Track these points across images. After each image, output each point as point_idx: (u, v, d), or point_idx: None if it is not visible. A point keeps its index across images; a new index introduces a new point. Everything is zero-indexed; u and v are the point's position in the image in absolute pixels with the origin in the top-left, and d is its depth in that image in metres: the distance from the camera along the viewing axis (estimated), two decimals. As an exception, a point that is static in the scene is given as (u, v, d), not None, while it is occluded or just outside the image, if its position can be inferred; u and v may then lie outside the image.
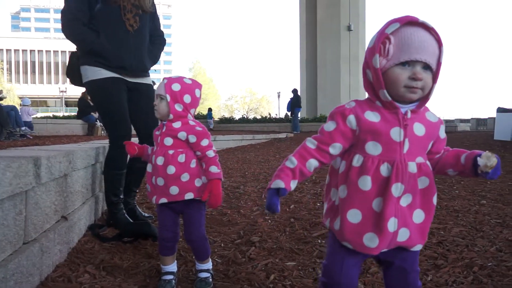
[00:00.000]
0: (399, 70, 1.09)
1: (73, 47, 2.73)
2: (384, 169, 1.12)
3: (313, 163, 1.16)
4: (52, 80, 67.95)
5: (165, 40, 2.97)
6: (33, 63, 67.92)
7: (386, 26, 1.11)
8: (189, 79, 1.90)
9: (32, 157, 1.72)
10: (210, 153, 1.81)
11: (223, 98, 67.74)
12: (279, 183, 1.12)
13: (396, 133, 1.12)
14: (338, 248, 1.20)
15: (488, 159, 1.09)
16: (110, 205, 2.71)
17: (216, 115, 37.56)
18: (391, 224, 1.12)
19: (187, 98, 1.83)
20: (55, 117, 17.13)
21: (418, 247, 1.19)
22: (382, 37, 1.10)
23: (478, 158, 1.11)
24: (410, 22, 1.09)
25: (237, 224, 2.89)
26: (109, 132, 2.70)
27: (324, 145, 1.16)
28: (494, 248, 2.30)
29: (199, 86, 1.91)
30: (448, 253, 2.23)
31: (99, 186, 3.00)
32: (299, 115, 17.50)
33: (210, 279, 1.89)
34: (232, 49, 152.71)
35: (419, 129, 1.14)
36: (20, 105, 12.42)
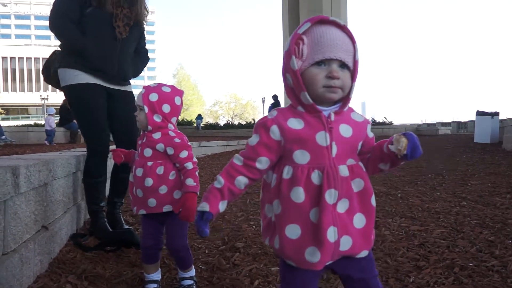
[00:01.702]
0: (316, 70, 1.05)
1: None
2: (315, 177, 1.06)
3: (242, 181, 1.11)
4: (33, 87, 66.80)
5: (148, 58, 2.99)
6: (13, 71, 66.69)
7: (298, 27, 1.08)
8: (168, 86, 1.86)
9: (10, 166, 1.69)
10: (189, 165, 1.77)
11: (207, 104, 67.59)
12: (205, 207, 1.08)
13: (322, 138, 1.06)
14: (287, 268, 1.13)
15: (398, 142, 1.04)
16: (91, 213, 2.68)
17: (200, 124, 37.77)
18: (331, 233, 1.05)
19: (166, 108, 1.80)
20: (36, 125, 16.84)
21: (364, 253, 1.12)
22: (295, 38, 1.07)
23: (389, 146, 1.07)
24: (321, 21, 1.07)
25: (222, 230, 2.88)
26: (85, 139, 2.66)
27: (250, 160, 1.10)
28: (474, 248, 2.34)
29: (179, 93, 1.88)
30: (429, 255, 2.26)
31: (81, 195, 2.96)
32: None
33: (194, 286, 1.88)
34: (216, 54, 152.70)
35: (345, 130, 1.10)
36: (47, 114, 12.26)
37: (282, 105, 25.16)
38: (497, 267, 2.05)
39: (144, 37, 2.93)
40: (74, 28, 2.52)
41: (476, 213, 3.21)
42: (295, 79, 1.07)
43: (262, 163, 1.10)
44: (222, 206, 1.10)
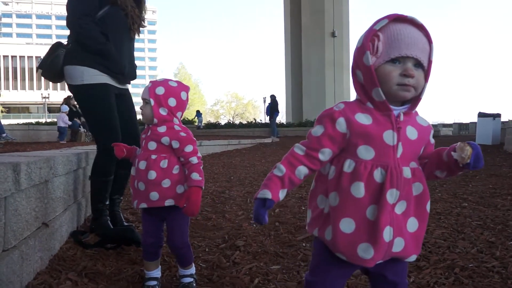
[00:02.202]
0: (390, 67, 1.04)
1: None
2: (377, 175, 1.05)
3: (302, 170, 1.09)
4: (34, 86, 66.85)
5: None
6: (14, 69, 66.76)
7: (374, 23, 1.07)
8: (175, 81, 1.87)
9: (11, 163, 1.69)
10: (194, 160, 1.77)
11: (208, 103, 67.57)
12: (266, 193, 1.06)
13: (389, 137, 1.06)
14: (328, 258, 1.13)
15: (461, 150, 1.03)
16: (95, 211, 2.68)
17: (202, 121, 37.60)
18: (387, 233, 1.05)
19: (172, 102, 1.81)
20: (37, 123, 16.86)
21: (413, 258, 1.12)
22: (370, 34, 1.06)
23: (453, 153, 1.05)
24: (398, 18, 1.06)
25: (222, 229, 2.88)
26: (99, 139, 2.63)
27: (312, 151, 1.09)
28: (475, 249, 2.34)
29: (185, 88, 1.88)
30: (430, 255, 2.26)
31: (82, 192, 2.96)
32: (276, 120, 17.91)
33: (194, 284, 1.88)
34: (218, 54, 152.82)
35: (412, 132, 1.09)
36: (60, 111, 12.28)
37: (288, 105, 25.17)
38: (498, 268, 2.05)
39: None
40: (98, 30, 2.50)
41: (477, 214, 3.20)
42: (367, 75, 1.06)
43: (325, 154, 1.09)
44: (282, 194, 1.09)
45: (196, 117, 23.98)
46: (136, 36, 2.80)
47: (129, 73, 2.72)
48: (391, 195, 1.05)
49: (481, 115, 11.22)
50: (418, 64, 1.05)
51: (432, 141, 1.17)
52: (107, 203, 2.70)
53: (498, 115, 10.88)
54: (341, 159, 1.10)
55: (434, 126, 25.54)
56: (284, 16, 26.15)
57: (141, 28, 2.81)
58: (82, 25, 2.49)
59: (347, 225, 1.07)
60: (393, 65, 1.05)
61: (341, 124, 1.07)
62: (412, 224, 1.10)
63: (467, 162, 1.03)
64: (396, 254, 1.08)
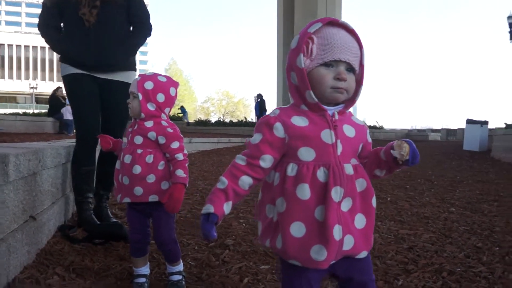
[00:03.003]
0: (324, 70, 1.07)
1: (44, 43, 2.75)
2: (321, 174, 1.06)
3: (246, 181, 1.08)
4: (22, 75, 65.81)
5: (145, 26, 2.75)
6: (2, 58, 65.57)
7: (308, 26, 1.09)
8: (164, 76, 1.86)
9: None
10: (179, 156, 1.76)
11: (199, 100, 67.19)
12: (209, 208, 1.04)
13: (327, 135, 1.07)
14: (289, 269, 1.11)
15: (400, 148, 1.06)
16: (76, 204, 2.66)
17: (192, 117, 37.36)
18: (336, 231, 1.04)
19: (160, 97, 1.80)
20: (25, 114, 16.62)
21: (364, 254, 1.12)
22: (305, 36, 1.07)
23: (392, 151, 1.07)
24: (331, 22, 1.09)
25: (211, 227, 2.86)
26: (76, 127, 2.72)
27: (253, 159, 1.09)
28: (462, 254, 2.37)
29: (174, 84, 1.87)
30: (418, 259, 2.28)
31: (70, 186, 2.92)
32: None
33: (183, 282, 1.87)
34: (209, 51, 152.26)
35: (348, 130, 1.11)
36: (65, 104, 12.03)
37: (279, 105, 25.16)
38: (485, 273, 2.07)
39: (137, 4, 2.71)
40: (53, 34, 2.63)
41: (464, 219, 3.24)
42: (300, 78, 1.08)
43: (266, 161, 1.09)
44: (227, 207, 1.07)
45: (182, 113, 23.40)
46: (91, 20, 2.51)
47: (99, 62, 2.56)
48: (335, 193, 1.05)
49: (469, 121, 11.36)
50: (350, 68, 1.09)
51: (370, 140, 1.19)
52: (89, 195, 2.66)
53: (486, 122, 11.03)
54: (284, 164, 1.10)
55: (423, 131, 25.79)
56: (277, 16, 26.09)
57: (94, 10, 2.53)
58: (40, 33, 2.64)
59: (297, 229, 1.06)
60: (327, 68, 1.07)
61: (278, 129, 1.08)
62: (360, 220, 1.11)
63: (406, 159, 1.06)
64: (346, 252, 1.08)
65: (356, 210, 1.10)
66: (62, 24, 2.64)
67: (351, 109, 1.17)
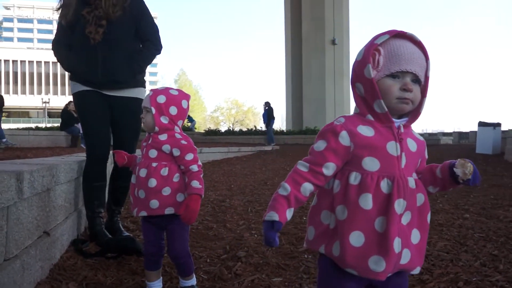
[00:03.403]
0: (390, 81, 1.08)
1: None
2: (384, 185, 1.06)
3: (308, 187, 1.09)
4: (35, 91, 66.89)
5: (153, 44, 2.73)
6: (15, 74, 66.81)
7: (375, 38, 1.10)
8: (176, 90, 1.88)
9: (14, 172, 1.68)
10: (194, 168, 1.78)
11: (208, 109, 67.58)
12: (273, 215, 1.05)
13: (392, 147, 1.08)
14: (337, 276, 1.11)
15: (464, 167, 1.07)
16: (87, 219, 2.68)
17: (202, 127, 37.50)
18: (396, 244, 1.04)
19: (173, 110, 1.82)
20: (37, 128, 16.86)
21: (417, 270, 1.12)
22: (372, 47, 1.09)
23: (455, 169, 1.08)
24: (398, 34, 1.10)
25: (223, 239, 2.86)
26: (86, 145, 2.74)
27: (317, 166, 1.08)
28: (478, 262, 2.33)
29: (186, 97, 1.89)
30: (433, 268, 2.24)
31: (82, 200, 2.95)
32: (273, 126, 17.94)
33: (196, 296, 1.87)
34: (218, 60, 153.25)
35: (412, 144, 1.12)
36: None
37: (288, 112, 25.16)
38: (502, 282, 2.03)
39: (146, 22, 2.71)
40: (62, 51, 2.67)
41: (479, 226, 3.19)
42: (369, 88, 1.09)
43: (329, 169, 1.09)
44: (289, 214, 1.07)
45: (189, 122, 23.25)
46: (96, 38, 2.54)
47: (106, 79, 2.59)
48: (398, 205, 1.05)
49: (481, 124, 11.21)
50: (415, 79, 1.10)
51: (426, 156, 1.19)
52: (100, 211, 2.68)
53: (499, 124, 10.86)
54: (345, 172, 1.10)
55: (434, 134, 25.54)
56: (285, 23, 26.25)
57: (100, 28, 2.55)
58: (55, 52, 2.71)
59: (356, 239, 1.06)
60: (393, 79, 1.08)
61: (344, 138, 1.08)
62: (415, 236, 1.11)
63: (468, 178, 1.07)
64: (403, 266, 1.08)
65: (413, 225, 1.11)
66: (74, 46, 2.66)
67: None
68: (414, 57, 1.08)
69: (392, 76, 1.08)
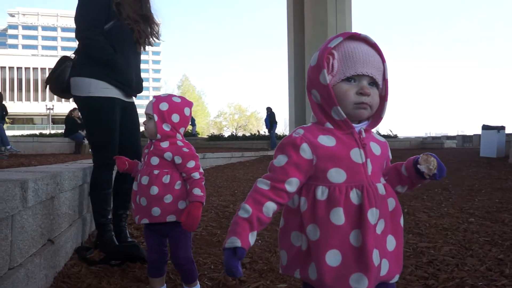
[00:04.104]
0: (346, 85, 1.02)
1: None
2: (354, 196, 1.00)
3: (270, 207, 1.00)
4: (39, 97, 67.27)
5: None
6: (19, 80, 67.25)
7: (328, 41, 1.05)
8: (179, 97, 1.89)
9: (19, 180, 1.69)
10: (196, 175, 1.78)
11: (212, 115, 67.66)
12: (235, 242, 0.95)
13: (356, 155, 1.02)
14: None
15: (427, 162, 1.03)
16: (99, 226, 2.66)
17: (205, 133, 37.49)
18: (375, 257, 0.98)
19: (175, 118, 1.82)
20: (41, 135, 16.93)
21: (396, 278, 1.06)
22: (326, 52, 1.03)
23: (419, 166, 1.03)
24: (352, 36, 1.06)
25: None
26: (97, 152, 2.64)
27: (278, 183, 1.01)
28: (484, 267, 2.31)
29: (189, 104, 1.90)
30: (438, 273, 2.23)
31: (87, 207, 2.96)
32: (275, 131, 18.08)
33: (200, 303, 1.86)
34: (221, 65, 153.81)
35: (375, 148, 1.07)
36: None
37: (291, 118, 25.20)
38: (508, 287, 2.02)
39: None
40: (106, 42, 2.52)
41: (485, 229, 3.17)
42: (325, 94, 1.03)
43: (292, 185, 1.01)
44: (252, 238, 0.98)
45: (191, 125, 23.09)
46: (142, 50, 2.81)
47: (136, 86, 2.74)
48: (371, 215, 0.99)
49: (485, 127, 11.17)
50: (373, 82, 1.05)
51: (390, 156, 1.15)
52: (110, 217, 2.68)
53: (503, 128, 10.82)
54: (310, 187, 1.03)
55: (438, 138, 25.45)
56: (288, 28, 26.28)
57: (147, 45, 2.81)
58: (91, 36, 2.50)
59: (333, 258, 0.99)
60: (349, 83, 1.03)
61: (305, 150, 1.01)
62: (391, 242, 1.05)
63: (434, 173, 1.02)
64: (383, 278, 1.02)
65: (387, 232, 1.05)
66: (113, 42, 2.56)
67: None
68: (369, 60, 1.03)
69: (347, 80, 1.03)
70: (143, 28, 2.72)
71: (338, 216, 0.99)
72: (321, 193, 1.01)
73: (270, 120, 17.31)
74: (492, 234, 3.03)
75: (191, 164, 1.79)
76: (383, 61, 1.07)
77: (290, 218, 1.08)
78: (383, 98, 1.08)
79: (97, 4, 2.52)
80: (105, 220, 2.64)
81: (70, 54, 2.74)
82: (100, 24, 2.52)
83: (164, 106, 1.82)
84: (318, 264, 1.00)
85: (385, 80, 1.07)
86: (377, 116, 1.09)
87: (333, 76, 1.03)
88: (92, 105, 2.55)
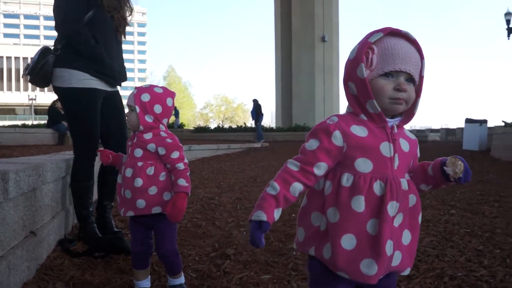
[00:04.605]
0: (384, 80, 1.05)
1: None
2: (377, 187, 1.04)
3: (297, 187, 1.05)
4: (21, 87, 65.98)
5: None
6: (1, 70, 65.85)
7: (368, 36, 1.07)
8: (160, 87, 1.87)
9: (-1, 172, 1.66)
10: (180, 166, 1.77)
11: (198, 106, 67.28)
12: (261, 215, 1.01)
13: (386, 148, 1.06)
14: (328, 278, 1.09)
15: (454, 165, 1.05)
16: (80, 218, 2.64)
17: (191, 124, 37.30)
18: (388, 247, 1.03)
19: (157, 109, 1.81)
20: (24, 125, 16.63)
21: (408, 271, 1.12)
22: (365, 46, 1.05)
23: (445, 168, 1.06)
24: (392, 32, 1.07)
25: (212, 237, 2.87)
26: (77, 144, 2.61)
27: (308, 165, 1.05)
28: (463, 258, 2.36)
29: (171, 94, 1.88)
30: (419, 264, 2.27)
31: (70, 199, 2.92)
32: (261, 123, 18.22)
33: (184, 295, 1.87)
34: (207, 57, 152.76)
35: (404, 145, 1.10)
36: None
37: (278, 109, 25.19)
38: (486, 277, 2.07)
39: None
40: (89, 34, 2.49)
41: (465, 221, 3.24)
42: (362, 87, 1.06)
43: (321, 168, 1.06)
44: (277, 214, 1.04)
45: (174, 116, 22.29)
46: (123, 39, 2.78)
47: (120, 76, 2.70)
48: (391, 208, 1.04)
49: (468, 121, 11.36)
50: (410, 79, 1.07)
51: (418, 154, 1.18)
52: (91, 209, 2.66)
53: (485, 121, 11.03)
54: (337, 173, 1.07)
55: (422, 131, 25.81)
56: (275, 19, 26.20)
57: (126, 30, 2.78)
58: (73, 28, 2.47)
59: (348, 242, 1.04)
60: (386, 79, 1.05)
61: (337, 137, 1.05)
62: (406, 237, 1.10)
63: (459, 176, 1.05)
64: (394, 268, 1.08)
65: (405, 226, 1.09)
66: (94, 33, 2.52)
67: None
68: (409, 56, 1.05)
69: (385, 76, 1.05)
70: (122, 15, 2.66)
71: (359, 204, 1.03)
72: (346, 180, 1.06)
73: (257, 112, 17.35)
74: (472, 225, 3.10)
75: (175, 154, 1.78)
76: (422, 57, 1.09)
77: (313, 198, 1.13)
78: (417, 94, 1.10)
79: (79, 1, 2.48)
80: (86, 212, 2.62)
81: (51, 45, 2.68)
82: (81, 15, 2.48)
83: (145, 97, 1.79)
84: (333, 245, 1.05)
85: (421, 76, 1.09)
86: (409, 112, 1.11)
87: (371, 70, 1.05)
88: (73, 96, 2.52)
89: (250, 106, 21.99)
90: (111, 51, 2.60)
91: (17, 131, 12.38)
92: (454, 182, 1.08)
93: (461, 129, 13.74)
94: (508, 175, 5.99)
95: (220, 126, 24.60)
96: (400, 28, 1.08)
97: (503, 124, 9.33)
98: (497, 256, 2.38)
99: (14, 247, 1.84)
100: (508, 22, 18.83)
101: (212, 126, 27.01)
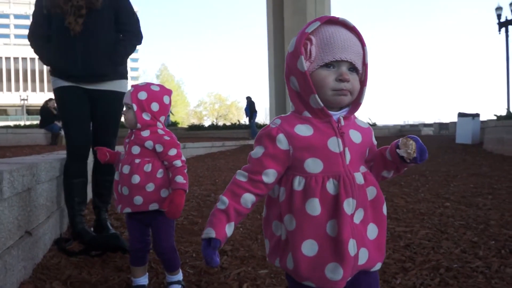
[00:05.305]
0: (325, 72, 0.99)
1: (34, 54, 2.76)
2: (330, 186, 0.99)
3: (248, 198, 1.01)
4: (12, 87, 65.36)
5: (134, 34, 2.70)
6: (-8, 70, 65.29)
7: (305, 26, 1.01)
8: (157, 85, 1.87)
9: (-7, 171, 1.65)
10: (177, 163, 1.78)
11: (191, 104, 67.06)
12: (210, 233, 0.97)
13: (334, 144, 1.00)
14: None
15: (406, 146, 0.99)
16: (69, 218, 2.65)
17: (185, 122, 37.20)
18: (351, 247, 0.97)
19: (154, 106, 1.81)
20: (16, 126, 16.49)
21: (378, 266, 1.06)
22: (303, 37, 1.00)
23: (398, 151, 1.00)
24: (330, 21, 1.01)
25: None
26: (66, 142, 2.69)
27: (255, 174, 1.01)
28: (458, 249, 2.39)
29: (168, 92, 1.88)
30: (415, 256, 2.29)
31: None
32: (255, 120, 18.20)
33: (182, 291, 1.87)
34: (201, 54, 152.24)
35: (355, 136, 1.04)
36: None
37: (271, 107, 25.25)
38: (481, 268, 2.09)
39: (126, 11, 2.66)
40: (41, 45, 2.62)
41: (460, 214, 3.26)
42: (303, 82, 1.00)
43: (269, 176, 1.01)
44: (229, 229, 0.99)
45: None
46: (76, 29, 2.46)
47: (86, 72, 2.53)
48: (348, 205, 0.98)
49: (460, 115, 11.44)
50: (352, 68, 1.02)
51: (375, 142, 1.12)
52: (82, 208, 2.66)
53: (477, 115, 11.10)
54: (289, 178, 1.03)
55: (416, 126, 25.94)
56: (267, 17, 26.14)
57: (80, 19, 2.47)
58: (31, 45, 2.66)
59: (309, 248, 0.99)
60: (328, 69, 1.00)
61: (281, 141, 1.00)
62: (372, 231, 1.04)
63: (414, 156, 0.99)
64: (362, 266, 1.02)
65: (368, 221, 1.04)
66: (54, 37, 2.57)
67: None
68: (348, 44, 0.99)
69: (326, 66, 0.99)
70: (75, 3, 2.47)
71: (314, 207, 0.98)
72: (298, 183, 1.01)
73: (250, 109, 17.36)
74: (467, 218, 3.13)
75: (172, 152, 1.79)
76: (363, 45, 1.04)
77: (271, 207, 1.09)
78: (363, 83, 1.04)
79: (34, 13, 2.65)
80: (73, 212, 2.62)
81: None
82: (39, 31, 2.61)
83: (142, 95, 1.80)
84: (294, 254, 1.00)
85: (365, 64, 1.04)
86: (355, 102, 1.05)
87: (311, 62, 1.00)
88: (56, 97, 2.69)
89: (243, 104, 21.96)
90: (62, 51, 2.52)
91: (9, 132, 12.29)
92: (412, 163, 1.01)
93: (454, 123, 13.82)
94: (500, 168, 6.04)
95: (214, 124, 24.51)
96: (337, 16, 1.03)
97: (495, 117, 9.40)
98: (492, 247, 2.41)
99: (10, 247, 1.83)
100: (499, 16, 18.92)
101: (206, 124, 26.93)
